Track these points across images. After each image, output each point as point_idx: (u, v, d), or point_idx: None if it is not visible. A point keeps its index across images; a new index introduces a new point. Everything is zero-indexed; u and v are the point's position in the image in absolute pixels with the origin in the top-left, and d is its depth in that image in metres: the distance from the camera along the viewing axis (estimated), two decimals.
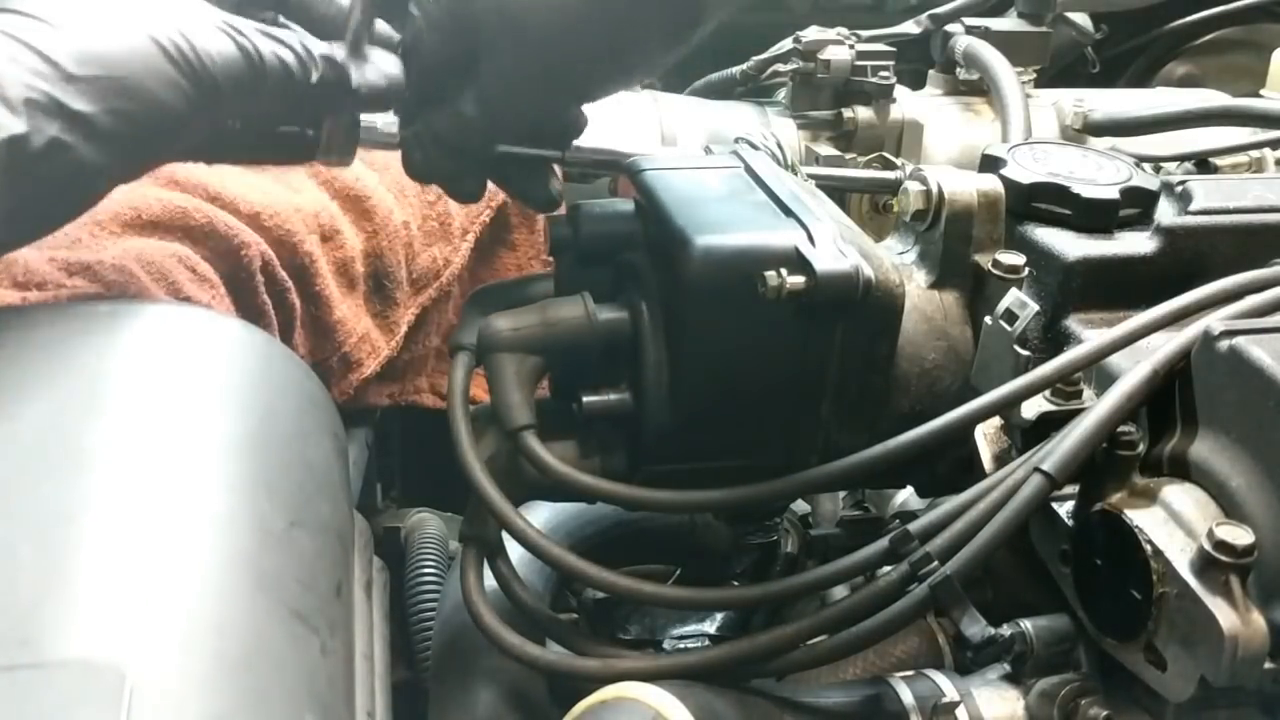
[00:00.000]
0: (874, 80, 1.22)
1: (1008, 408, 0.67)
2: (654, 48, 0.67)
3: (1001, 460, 0.70)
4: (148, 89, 0.56)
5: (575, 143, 0.74)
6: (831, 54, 1.21)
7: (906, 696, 0.67)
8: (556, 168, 0.75)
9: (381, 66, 0.66)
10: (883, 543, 0.66)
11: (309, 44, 0.62)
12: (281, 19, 0.67)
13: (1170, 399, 0.64)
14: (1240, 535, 0.56)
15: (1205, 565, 0.56)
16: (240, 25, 0.59)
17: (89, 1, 0.56)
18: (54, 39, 0.54)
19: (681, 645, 0.87)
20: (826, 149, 1.21)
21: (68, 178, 0.55)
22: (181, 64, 0.56)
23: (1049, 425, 0.67)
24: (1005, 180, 0.78)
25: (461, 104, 0.67)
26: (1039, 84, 1.35)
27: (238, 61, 0.58)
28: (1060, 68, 1.49)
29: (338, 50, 0.64)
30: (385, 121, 0.71)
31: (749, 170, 0.77)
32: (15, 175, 0.53)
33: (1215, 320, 0.63)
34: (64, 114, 0.53)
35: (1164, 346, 0.64)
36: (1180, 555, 0.58)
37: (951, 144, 1.26)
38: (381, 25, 0.69)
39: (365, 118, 0.70)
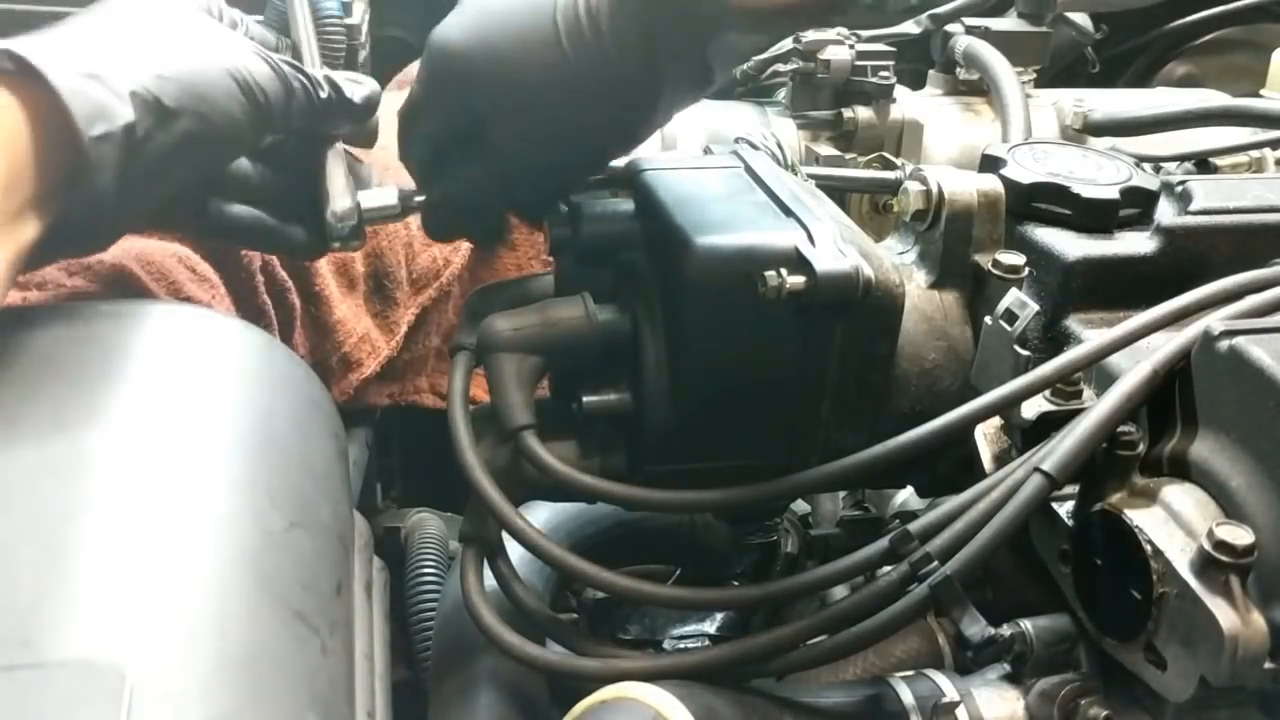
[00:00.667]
0: (874, 80, 1.22)
1: (1008, 408, 0.67)
2: (663, 105, 0.68)
3: (1001, 460, 0.69)
4: (216, 98, 0.63)
5: None
6: (831, 54, 1.21)
7: (906, 696, 0.67)
8: None
9: (358, 80, 0.73)
10: (883, 543, 0.65)
11: (303, 68, 0.69)
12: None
13: (1170, 399, 0.64)
14: (1240, 535, 0.56)
15: (1205, 565, 0.56)
16: (270, 54, 0.67)
17: (162, 31, 0.64)
18: (156, 51, 0.61)
19: (681, 645, 0.87)
20: (826, 149, 1.21)
21: (158, 170, 0.61)
22: (243, 85, 0.64)
23: (1049, 425, 0.67)
24: (1005, 180, 0.78)
25: (472, 169, 0.70)
26: (1039, 84, 1.35)
27: (275, 83, 0.66)
28: (1060, 68, 1.49)
29: (319, 73, 0.71)
30: (382, 201, 0.74)
31: (749, 170, 0.77)
32: (126, 162, 0.58)
33: (1215, 320, 0.63)
34: (159, 110, 0.60)
35: (1164, 346, 0.64)
36: (1180, 555, 0.58)
37: (951, 144, 1.26)
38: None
39: (365, 204, 0.73)
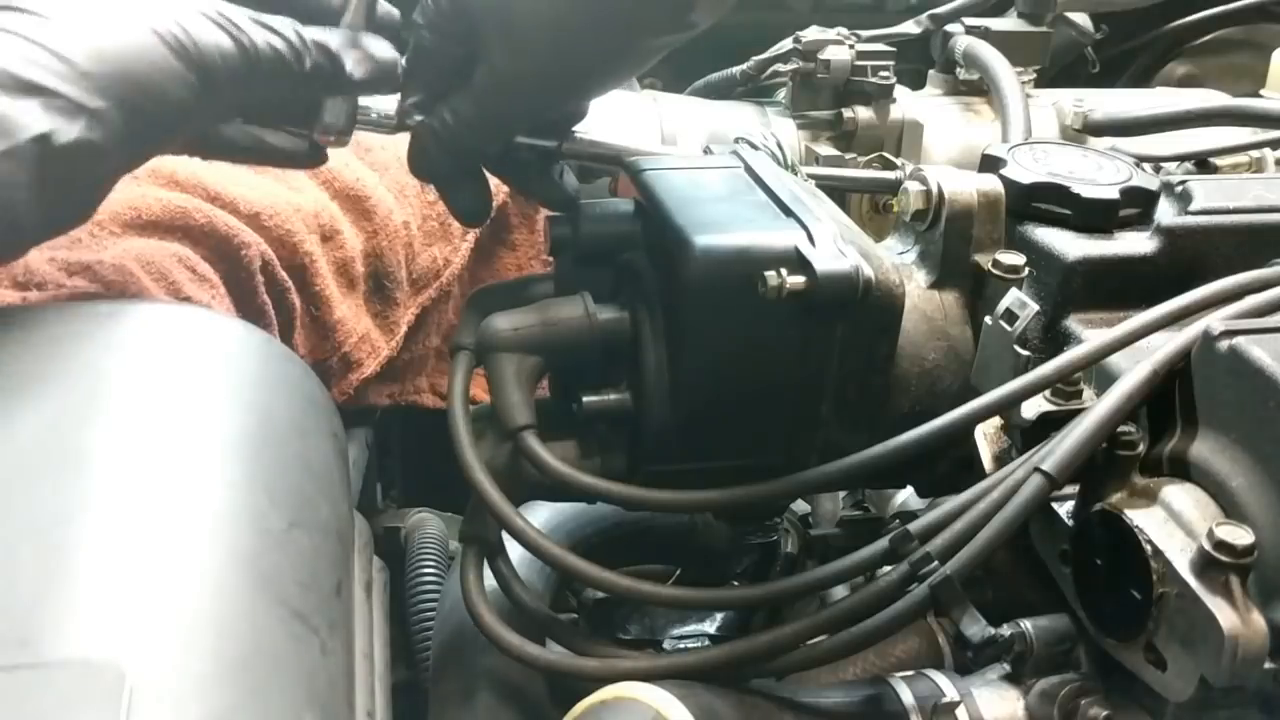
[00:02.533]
0: (874, 80, 1.22)
1: (1008, 408, 0.67)
2: (647, 43, 0.67)
3: (1001, 460, 0.70)
4: (156, 83, 0.57)
5: (576, 133, 0.75)
6: (831, 54, 1.21)
7: (906, 696, 0.67)
8: (568, 165, 0.76)
9: (375, 51, 0.66)
10: (883, 543, 0.66)
11: (301, 31, 0.63)
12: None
13: (1170, 399, 0.64)
14: (1240, 535, 0.56)
15: (1205, 565, 0.56)
16: (232, 14, 0.60)
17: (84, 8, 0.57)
18: (64, 36, 0.55)
19: (681, 645, 0.87)
20: (826, 149, 1.21)
21: (88, 173, 0.56)
22: (183, 55, 0.57)
23: (1049, 425, 0.67)
24: (1005, 180, 0.78)
25: (457, 103, 0.68)
26: (1039, 84, 1.35)
27: (231, 50, 0.59)
28: (1060, 68, 1.49)
29: (332, 37, 0.65)
30: (381, 107, 0.71)
31: (749, 170, 0.77)
32: (43, 173, 0.54)
33: (1215, 320, 0.63)
34: (83, 112, 0.54)
35: (1164, 346, 0.64)
36: (1180, 555, 0.58)
37: (951, 144, 1.26)
38: (386, 8, 0.70)
39: (362, 101, 0.71)
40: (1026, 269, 0.73)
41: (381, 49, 0.67)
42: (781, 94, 1.27)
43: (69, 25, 0.55)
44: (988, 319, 0.71)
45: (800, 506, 0.96)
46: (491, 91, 0.67)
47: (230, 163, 0.77)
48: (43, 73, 0.54)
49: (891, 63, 1.23)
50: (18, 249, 0.58)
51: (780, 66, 1.24)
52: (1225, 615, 0.55)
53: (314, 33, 0.64)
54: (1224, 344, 0.61)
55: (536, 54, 0.65)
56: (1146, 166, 0.85)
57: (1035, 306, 0.70)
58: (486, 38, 0.66)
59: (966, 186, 0.77)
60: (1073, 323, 0.73)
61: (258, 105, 0.69)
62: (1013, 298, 0.70)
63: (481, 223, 0.77)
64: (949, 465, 0.75)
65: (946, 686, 0.67)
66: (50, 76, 0.54)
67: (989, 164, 0.81)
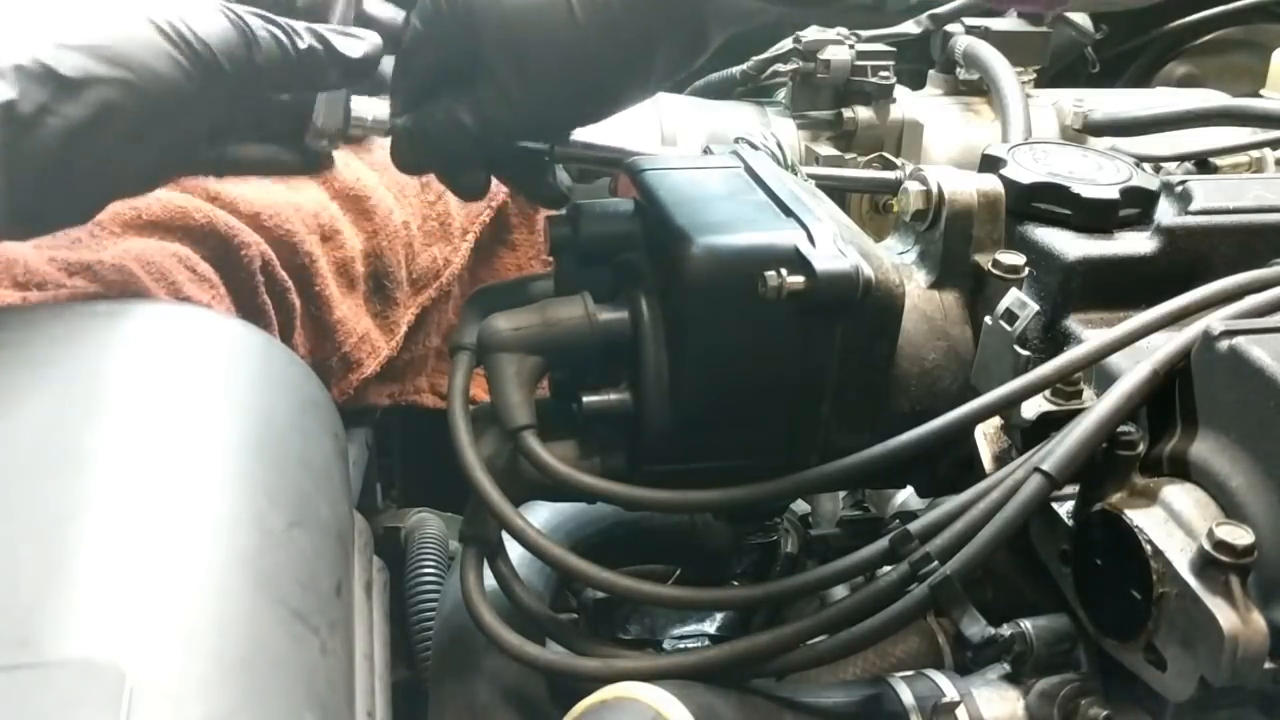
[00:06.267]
0: (874, 80, 1.22)
1: (1008, 408, 0.67)
2: (656, 73, 0.67)
3: (1001, 460, 0.70)
4: (139, 59, 0.57)
5: (573, 135, 0.75)
6: (831, 54, 1.21)
7: (906, 696, 0.67)
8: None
9: (364, 39, 0.68)
10: (883, 543, 0.66)
11: (293, 24, 0.65)
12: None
13: (1170, 399, 0.64)
14: (1240, 535, 0.56)
15: (1205, 565, 0.56)
16: (232, 5, 0.62)
17: None
18: (45, 12, 0.56)
19: (681, 645, 0.87)
20: (826, 149, 1.21)
21: (63, 149, 0.56)
22: (176, 39, 0.58)
23: (1049, 425, 0.67)
24: (1005, 180, 0.78)
25: (457, 111, 0.68)
26: (1039, 84, 1.35)
27: (232, 36, 0.61)
28: (1060, 68, 1.49)
29: (322, 28, 0.67)
30: (374, 112, 0.72)
31: (749, 170, 0.77)
32: (11, 144, 0.54)
33: (1215, 320, 0.63)
34: (53, 79, 0.55)
35: (1164, 346, 0.64)
36: (1180, 555, 0.58)
37: (951, 144, 1.26)
38: (389, 11, 0.72)
39: (356, 109, 0.71)
40: (1026, 269, 0.73)
41: (370, 37, 0.68)
42: (781, 94, 1.27)
43: (56, 9, 0.56)
44: (988, 319, 0.71)
45: (800, 506, 0.96)
46: (496, 108, 0.67)
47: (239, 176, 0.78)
48: (23, 49, 0.54)
49: (891, 63, 1.23)
50: (36, 220, 0.58)
51: (780, 66, 1.24)
52: (1225, 615, 0.55)
53: (303, 25, 0.65)
54: (1224, 344, 0.61)
55: (548, 81, 0.66)
56: (1146, 166, 0.85)
57: (1035, 306, 0.70)
58: (493, 57, 0.65)
59: (966, 186, 0.77)
60: (1073, 323, 0.73)
61: (255, 98, 0.69)
62: (1013, 298, 0.70)
63: (480, 198, 0.77)
64: (949, 465, 0.75)
65: (946, 686, 0.67)
66: (23, 46, 0.54)
67: (989, 164, 0.81)
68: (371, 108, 0.72)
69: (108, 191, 0.61)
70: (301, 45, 0.65)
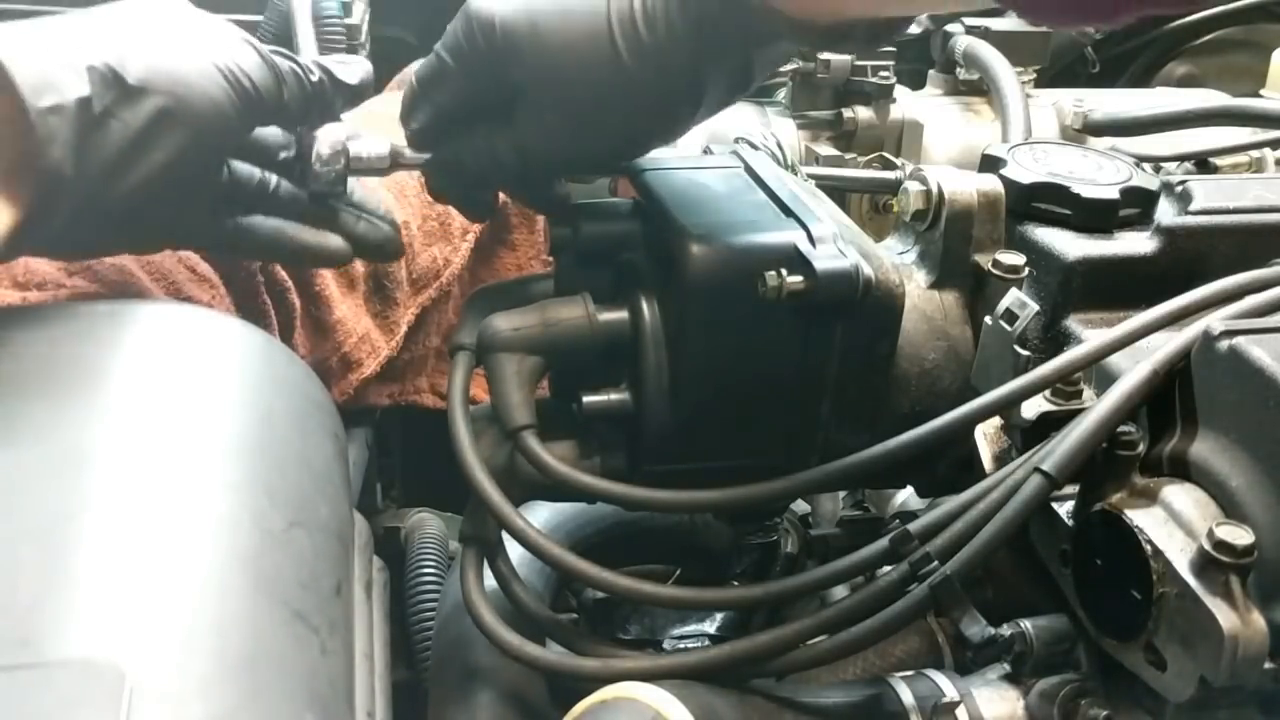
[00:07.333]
0: (874, 80, 1.23)
1: (1008, 408, 0.67)
2: (703, 108, 0.68)
3: (1001, 460, 0.70)
4: (194, 79, 0.63)
5: None
6: (831, 54, 1.21)
7: (906, 696, 0.67)
8: None
9: (356, 68, 0.73)
10: (883, 543, 0.66)
11: (299, 58, 0.70)
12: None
13: (1170, 399, 0.64)
14: (1240, 535, 0.56)
15: (1205, 565, 0.56)
16: (258, 43, 0.68)
17: (143, 19, 0.65)
18: (115, 31, 0.62)
19: (681, 645, 0.87)
20: (826, 149, 1.21)
21: (130, 151, 0.61)
22: (224, 68, 0.64)
23: (1049, 425, 0.67)
24: (1005, 180, 0.78)
25: (496, 144, 0.68)
26: (1039, 84, 1.35)
27: (263, 70, 0.66)
28: (1060, 68, 1.49)
29: (321, 59, 0.72)
30: (370, 150, 0.73)
31: (749, 170, 0.77)
32: (82, 143, 0.58)
33: (1215, 320, 0.63)
34: (121, 85, 0.60)
35: (1164, 346, 0.64)
36: (1180, 555, 0.58)
37: (951, 144, 1.26)
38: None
39: (353, 150, 0.73)
40: (1026, 269, 0.73)
41: (361, 66, 0.73)
42: (781, 94, 1.27)
43: (126, 26, 0.63)
44: (988, 319, 0.71)
45: (800, 506, 0.95)
46: (538, 142, 0.68)
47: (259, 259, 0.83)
48: (95, 54, 0.59)
49: (891, 63, 1.23)
50: (57, 204, 0.61)
51: (780, 66, 1.24)
52: (1225, 615, 0.55)
53: (299, 57, 0.70)
54: (1224, 344, 0.61)
55: (590, 117, 0.66)
56: (1146, 166, 0.86)
57: (1035, 306, 0.70)
58: (536, 92, 0.66)
59: (966, 186, 0.77)
60: (1073, 323, 0.73)
61: (278, 122, 0.73)
62: (1013, 298, 0.70)
63: (488, 218, 0.78)
64: (949, 465, 0.75)
65: (946, 686, 0.67)
66: (99, 56, 0.59)
67: (989, 164, 0.81)
68: (367, 147, 0.73)
69: (150, 190, 0.64)
70: (314, 78, 0.69)
